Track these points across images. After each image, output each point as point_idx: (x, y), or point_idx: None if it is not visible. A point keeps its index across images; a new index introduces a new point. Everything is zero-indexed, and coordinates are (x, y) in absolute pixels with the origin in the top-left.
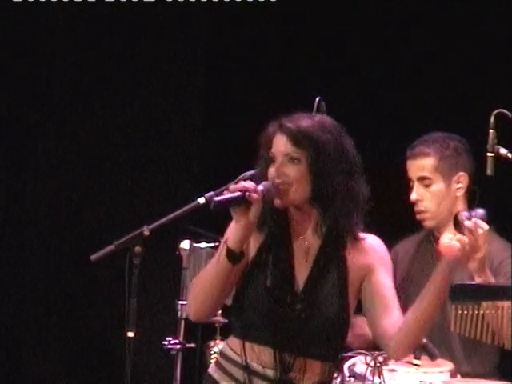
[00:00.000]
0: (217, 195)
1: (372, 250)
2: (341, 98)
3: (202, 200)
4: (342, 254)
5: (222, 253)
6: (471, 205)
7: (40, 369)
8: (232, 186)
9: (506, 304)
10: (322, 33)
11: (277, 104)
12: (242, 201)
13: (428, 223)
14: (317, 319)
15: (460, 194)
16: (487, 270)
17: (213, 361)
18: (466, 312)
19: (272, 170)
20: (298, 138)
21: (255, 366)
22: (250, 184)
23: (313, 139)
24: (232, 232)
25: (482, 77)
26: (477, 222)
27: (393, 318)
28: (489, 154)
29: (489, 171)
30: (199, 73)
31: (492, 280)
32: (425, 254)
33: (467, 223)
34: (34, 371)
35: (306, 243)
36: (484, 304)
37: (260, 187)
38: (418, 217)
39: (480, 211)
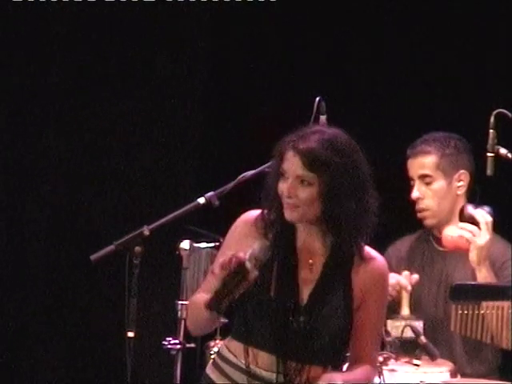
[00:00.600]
0: (217, 196)
1: (375, 279)
2: (341, 98)
3: (201, 200)
4: (348, 271)
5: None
6: (472, 203)
7: (40, 369)
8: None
9: (506, 304)
10: (322, 33)
11: (277, 104)
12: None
13: (429, 221)
14: (320, 332)
15: (461, 192)
16: (488, 266)
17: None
18: (466, 312)
19: (282, 187)
20: (311, 162)
21: (254, 368)
22: (241, 259)
23: (326, 163)
24: None
25: (481, 77)
26: (480, 211)
27: (355, 356)
28: (489, 154)
29: (489, 171)
30: (199, 73)
31: (492, 275)
32: (424, 254)
33: (470, 210)
34: (34, 371)
35: (313, 257)
36: (484, 304)
37: (248, 254)
38: (418, 215)
39: (486, 208)
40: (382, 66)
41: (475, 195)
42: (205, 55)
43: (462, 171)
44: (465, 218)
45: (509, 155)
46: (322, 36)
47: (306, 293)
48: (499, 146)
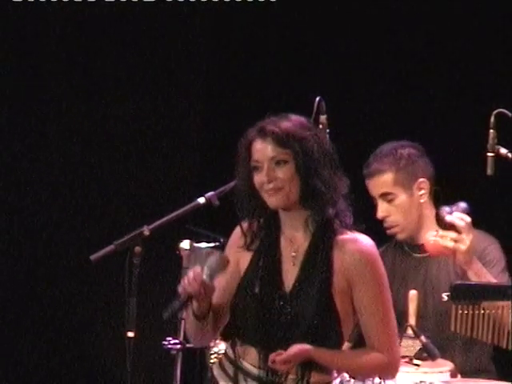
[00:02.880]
0: (217, 196)
1: (356, 260)
2: (341, 98)
3: (202, 200)
4: (328, 255)
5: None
6: (437, 205)
7: (39, 368)
8: (179, 295)
9: (505, 304)
10: (322, 33)
11: (277, 104)
12: (187, 302)
13: (400, 236)
14: (301, 322)
15: (424, 199)
16: (476, 261)
17: (212, 361)
18: (466, 312)
19: (260, 178)
20: (283, 139)
21: (247, 365)
22: (186, 284)
23: (296, 138)
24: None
25: (481, 77)
26: (457, 214)
27: (367, 345)
28: (489, 154)
29: (489, 171)
30: (199, 73)
31: (483, 269)
32: (403, 264)
33: (448, 218)
34: (34, 371)
35: (295, 247)
36: (484, 304)
37: (205, 270)
38: (388, 232)
39: (462, 205)
40: (382, 66)
41: (438, 196)
42: (205, 55)
43: (420, 180)
44: (443, 223)
45: (509, 155)
46: (321, 36)
47: (289, 285)
48: (499, 146)
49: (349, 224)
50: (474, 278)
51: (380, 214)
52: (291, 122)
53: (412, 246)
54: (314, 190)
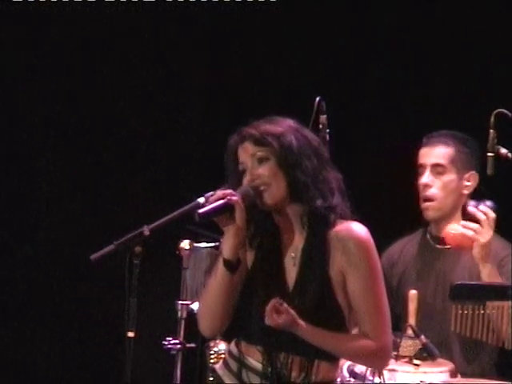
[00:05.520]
0: (206, 200)
1: (347, 246)
2: (341, 98)
3: (202, 200)
4: (323, 250)
5: (219, 264)
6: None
7: (39, 368)
8: (212, 197)
9: (506, 304)
10: (322, 33)
11: (277, 104)
12: (225, 208)
13: (431, 213)
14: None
15: (467, 192)
16: (491, 263)
17: (212, 361)
18: (466, 312)
19: (246, 179)
20: (260, 138)
21: (251, 361)
22: (227, 190)
23: (274, 134)
24: (224, 242)
25: (481, 77)
26: (482, 208)
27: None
28: (489, 154)
29: (489, 171)
30: (199, 73)
31: (497, 273)
32: (422, 253)
33: (471, 209)
34: (34, 371)
35: (293, 248)
36: (484, 304)
37: (238, 191)
38: (423, 205)
39: (488, 203)
40: (382, 66)
41: (480, 195)
42: (205, 56)
43: (472, 172)
44: (467, 215)
45: (509, 155)
46: (322, 36)
47: (291, 285)
48: (499, 146)
49: (345, 216)
50: (486, 280)
51: (424, 179)
52: (272, 123)
53: (435, 236)
54: (299, 182)
